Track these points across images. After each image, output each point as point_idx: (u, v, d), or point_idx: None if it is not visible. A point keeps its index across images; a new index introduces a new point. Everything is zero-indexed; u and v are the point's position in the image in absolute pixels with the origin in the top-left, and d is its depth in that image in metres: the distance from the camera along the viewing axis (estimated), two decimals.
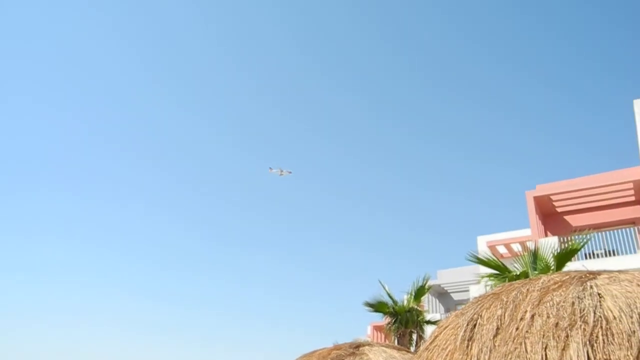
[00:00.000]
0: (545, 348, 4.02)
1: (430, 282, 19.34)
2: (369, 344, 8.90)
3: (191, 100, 70.87)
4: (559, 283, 4.73)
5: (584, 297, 4.37)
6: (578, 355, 3.84)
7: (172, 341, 65.72)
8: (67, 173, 73.50)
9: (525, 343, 4.17)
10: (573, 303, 4.30)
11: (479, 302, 5.16)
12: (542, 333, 4.15)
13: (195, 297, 71.14)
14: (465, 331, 4.78)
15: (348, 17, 64.15)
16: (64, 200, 72.87)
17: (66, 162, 72.56)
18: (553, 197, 22.98)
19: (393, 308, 16.69)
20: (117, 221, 73.37)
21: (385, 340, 23.22)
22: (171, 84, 70.53)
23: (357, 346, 8.67)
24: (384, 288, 17.26)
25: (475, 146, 67.48)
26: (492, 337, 4.47)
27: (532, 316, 4.37)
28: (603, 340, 3.90)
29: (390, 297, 16.99)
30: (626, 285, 4.50)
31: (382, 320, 18.21)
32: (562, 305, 4.31)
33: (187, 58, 68.68)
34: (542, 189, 22.96)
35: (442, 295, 38.14)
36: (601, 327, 4.01)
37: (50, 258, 69.77)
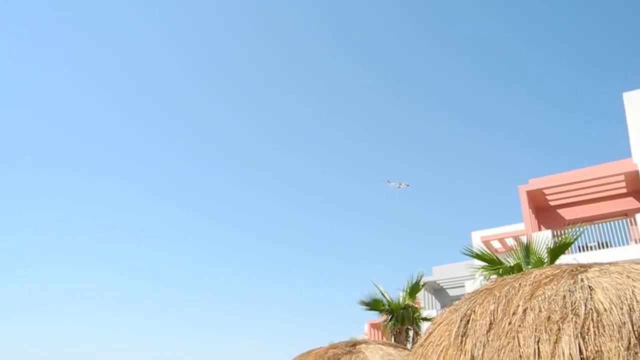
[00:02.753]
0: (538, 341, 4.06)
1: (425, 279, 19.44)
2: (365, 342, 8.95)
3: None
4: (551, 277, 4.78)
5: (575, 290, 4.41)
6: (570, 348, 3.88)
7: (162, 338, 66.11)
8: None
9: (518, 337, 4.21)
10: (564, 296, 4.34)
11: (472, 298, 5.20)
12: (534, 327, 4.19)
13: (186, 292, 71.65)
14: (459, 327, 4.82)
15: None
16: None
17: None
18: (546, 191, 23.12)
19: (388, 305, 16.77)
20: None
21: (382, 338, 23.29)
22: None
23: (354, 344, 8.71)
24: (378, 288, 17.36)
25: (468, 143, 67.69)
26: (485, 332, 4.51)
27: (525, 310, 4.41)
28: (594, 332, 3.95)
29: (384, 295, 17.07)
30: (616, 277, 4.55)
31: (379, 318, 18.29)
32: (553, 299, 4.36)
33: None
34: (534, 183, 23.10)
35: (438, 291, 38.27)
36: (592, 319, 4.05)
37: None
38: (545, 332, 4.09)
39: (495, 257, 11.08)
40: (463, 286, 31.33)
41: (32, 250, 69.21)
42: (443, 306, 35.31)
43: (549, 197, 23.60)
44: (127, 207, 73.38)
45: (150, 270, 72.59)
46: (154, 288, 72.26)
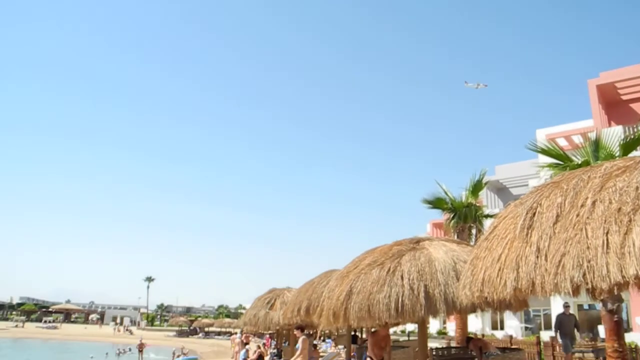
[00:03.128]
0: (607, 233, 4.01)
1: (488, 178, 19.29)
2: (428, 239, 9.06)
3: None
4: (623, 168, 4.63)
5: None
6: None
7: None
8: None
9: (585, 229, 4.17)
10: (637, 188, 4.21)
11: (539, 191, 5.14)
12: (603, 218, 4.13)
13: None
14: (524, 220, 4.81)
15: None
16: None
17: None
18: (618, 85, 21.99)
19: (451, 204, 16.80)
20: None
21: (445, 237, 23.52)
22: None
23: (417, 241, 8.84)
24: (441, 187, 17.33)
25: (536, 32, 64.39)
26: (551, 225, 4.48)
27: (594, 202, 4.34)
28: None
29: (447, 194, 17.07)
30: None
31: (442, 217, 18.40)
32: (625, 190, 4.24)
33: None
34: (606, 77, 21.94)
35: (501, 190, 37.96)
36: None
37: None
38: (615, 223, 4.03)
39: (562, 152, 10.71)
40: (527, 185, 30.89)
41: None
42: (506, 205, 35.14)
43: (621, 91, 22.46)
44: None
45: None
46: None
